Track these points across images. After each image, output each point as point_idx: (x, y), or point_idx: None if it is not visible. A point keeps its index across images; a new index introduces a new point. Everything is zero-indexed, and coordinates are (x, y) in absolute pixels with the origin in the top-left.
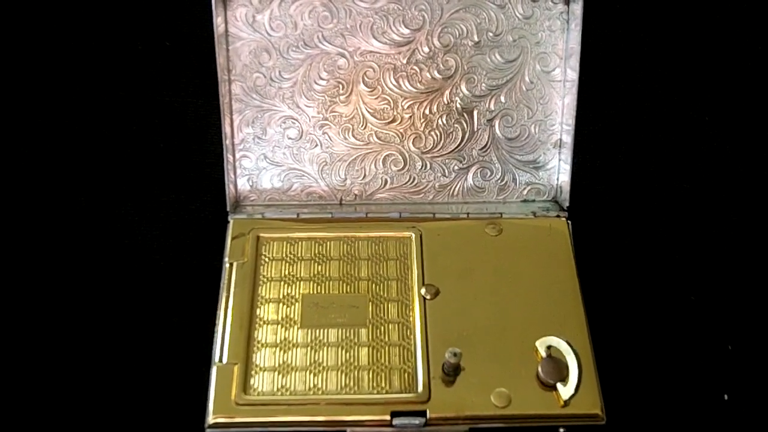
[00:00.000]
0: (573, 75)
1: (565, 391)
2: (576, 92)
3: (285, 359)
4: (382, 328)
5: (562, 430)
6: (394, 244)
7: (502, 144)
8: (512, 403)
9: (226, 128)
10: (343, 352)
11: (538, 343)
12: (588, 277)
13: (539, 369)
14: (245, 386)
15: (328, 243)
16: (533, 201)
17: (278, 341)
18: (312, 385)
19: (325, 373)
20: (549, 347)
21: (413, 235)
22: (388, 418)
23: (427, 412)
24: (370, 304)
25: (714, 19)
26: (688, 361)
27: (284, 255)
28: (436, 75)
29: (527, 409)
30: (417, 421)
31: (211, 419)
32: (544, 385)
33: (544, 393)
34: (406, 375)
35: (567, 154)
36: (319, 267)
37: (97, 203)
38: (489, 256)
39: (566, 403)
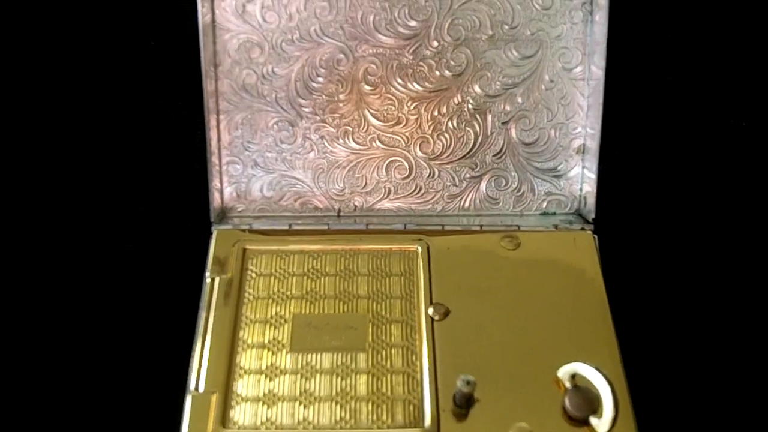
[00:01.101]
0: (598, 72)
1: (601, 425)
2: (601, 92)
3: (271, 388)
4: (384, 352)
5: None
6: (397, 258)
7: (518, 149)
8: None
9: (212, 131)
10: (339, 380)
11: (561, 372)
12: (616, 297)
13: (566, 400)
14: (224, 419)
15: (324, 257)
16: (553, 214)
17: (264, 367)
18: (302, 419)
19: (317, 404)
20: (574, 376)
21: (419, 248)
22: None
23: None
24: (370, 325)
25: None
26: (731, 390)
27: (273, 270)
28: (446, 72)
29: None
30: None
31: None
32: (572, 419)
33: (572, 428)
34: (411, 407)
35: (591, 162)
36: (313, 283)
37: (65, 210)
38: (505, 273)
39: None
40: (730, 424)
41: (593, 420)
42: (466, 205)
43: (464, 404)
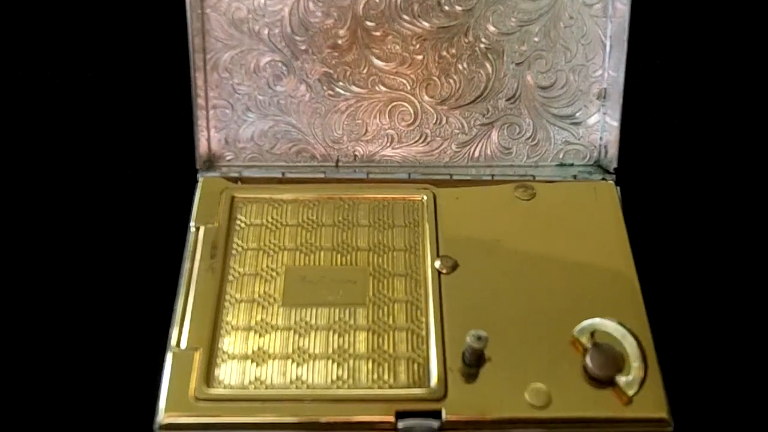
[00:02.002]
0: (622, 9)
1: (629, 383)
2: (626, 30)
3: (261, 345)
4: (386, 308)
5: None
6: (401, 208)
7: (534, 94)
8: (553, 403)
9: (198, 72)
10: (336, 336)
11: (578, 330)
12: (639, 251)
13: (587, 360)
14: (208, 377)
15: (320, 206)
16: (571, 165)
17: (253, 323)
18: (294, 377)
19: (311, 362)
20: (593, 333)
21: (425, 198)
22: (391, 419)
23: (443, 412)
24: (371, 278)
25: None
26: (760, 349)
27: (264, 219)
28: (456, 7)
29: (572, 410)
30: (429, 423)
31: (162, 418)
32: (595, 380)
33: (594, 390)
34: (415, 366)
35: (613, 108)
36: (308, 234)
37: (41, 158)
38: (519, 224)
39: (630, 399)
40: (758, 385)
41: (621, 379)
42: (476, 154)
43: (474, 363)
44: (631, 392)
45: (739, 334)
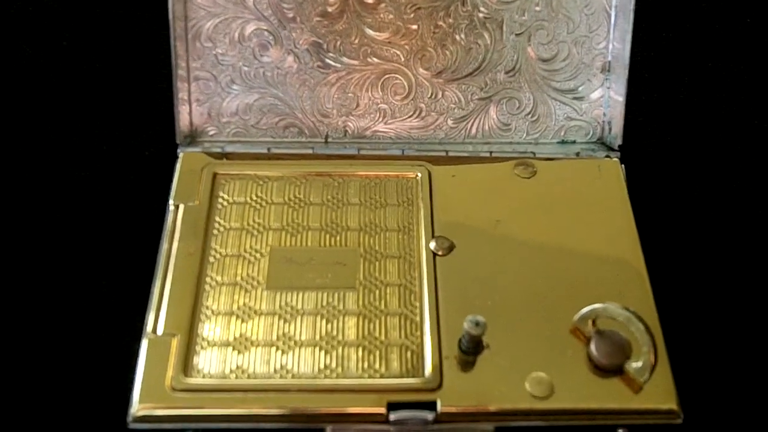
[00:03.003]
0: None
1: (640, 370)
2: (632, 1)
3: (243, 331)
4: (378, 291)
5: (621, 431)
6: (394, 186)
7: (534, 66)
8: (556, 393)
9: (178, 40)
10: (324, 322)
11: (578, 318)
12: (645, 232)
13: (592, 349)
14: (186, 366)
15: (308, 183)
16: (573, 142)
17: (235, 307)
18: (279, 366)
19: (297, 349)
20: (594, 320)
21: (420, 175)
22: (383, 411)
23: (438, 403)
24: (362, 260)
25: None
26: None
27: (248, 197)
28: None
29: (576, 400)
30: (424, 415)
31: (137, 409)
32: (599, 368)
33: (599, 379)
34: (408, 353)
35: (618, 82)
36: (295, 213)
37: (15, 132)
38: (519, 204)
39: (641, 387)
40: (764, 370)
41: (630, 365)
42: (474, 130)
43: (471, 350)
44: (642, 379)
45: (748, 319)
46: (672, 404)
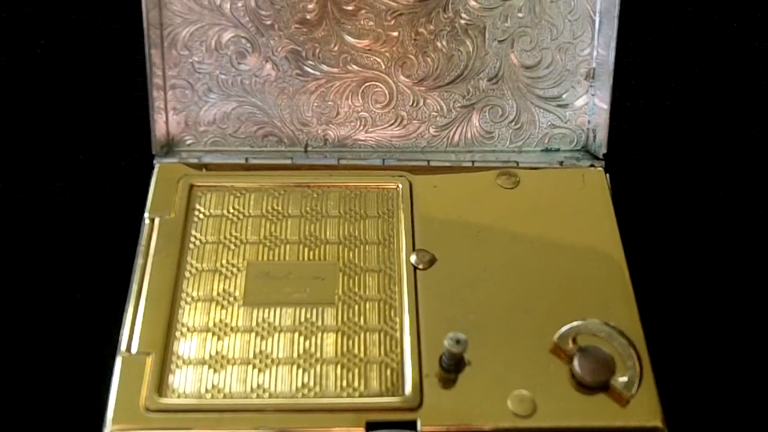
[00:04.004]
0: None
1: (627, 384)
2: (617, 6)
3: (219, 348)
4: (357, 307)
5: None
6: (374, 198)
7: (518, 74)
8: (538, 411)
9: (154, 49)
10: (302, 339)
11: (558, 338)
12: (630, 244)
13: (576, 367)
14: (161, 385)
15: (286, 195)
16: (557, 150)
17: (211, 324)
18: (255, 385)
19: (274, 368)
20: (575, 338)
21: (401, 186)
22: (362, 431)
23: (418, 423)
24: (341, 275)
25: None
26: (754, 346)
27: (225, 210)
28: None
29: (559, 419)
30: None
31: (110, 430)
32: (582, 385)
33: (583, 396)
34: (388, 371)
35: (602, 89)
36: (273, 226)
37: None
38: (502, 215)
39: (627, 401)
40: (750, 384)
41: (617, 380)
42: (456, 138)
43: (453, 368)
44: (630, 393)
45: (735, 331)
46: (657, 422)
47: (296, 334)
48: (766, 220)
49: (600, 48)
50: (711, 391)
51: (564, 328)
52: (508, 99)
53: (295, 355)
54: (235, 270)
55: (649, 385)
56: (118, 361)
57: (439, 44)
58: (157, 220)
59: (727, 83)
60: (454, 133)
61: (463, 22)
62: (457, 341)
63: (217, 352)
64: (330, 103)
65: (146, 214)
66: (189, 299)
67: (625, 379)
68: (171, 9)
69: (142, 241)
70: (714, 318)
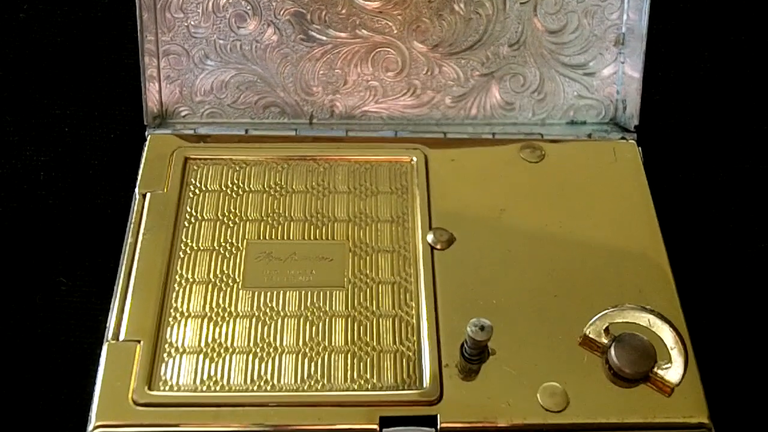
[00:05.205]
0: None
1: (670, 372)
2: None
3: (217, 336)
4: (369, 290)
5: None
6: (386, 172)
7: (541, 39)
8: (571, 406)
9: (146, 12)
10: (308, 326)
11: (588, 327)
12: (665, 223)
13: (613, 357)
14: (151, 376)
15: (290, 169)
16: (583, 123)
17: (208, 309)
18: (256, 376)
19: (278, 357)
20: (607, 328)
21: (415, 160)
22: (375, 427)
23: (438, 418)
24: (351, 255)
25: None
26: None
27: (223, 184)
28: None
29: (594, 414)
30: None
31: (94, 426)
32: (620, 377)
33: (619, 389)
34: (404, 361)
35: (633, 57)
36: (275, 202)
37: None
38: (526, 191)
39: (671, 391)
40: None
41: (661, 368)
42: (474, 110)
43: (475, 357)
44: (674, 380)
45: None
46: (703, 417)
47: (302, 320)
48: None
49: (630, 12)
50: (758, 385)
51: (594, 318)
52: (531, 67)
53: (301, 343)
54: (233, 250)
55: (693, 375)
56: (104, 350)
57: (456, 6)
58: (148, 196)
59: (765, 51)
60: (472, 104)
61: None
62: (482, 328)
63: (213, 340)
64: (337, 71)
65: (137, 189)
66: (183, 281)
67: (669, 366)
68: None
69: (132, 218)
70: (760, 304)
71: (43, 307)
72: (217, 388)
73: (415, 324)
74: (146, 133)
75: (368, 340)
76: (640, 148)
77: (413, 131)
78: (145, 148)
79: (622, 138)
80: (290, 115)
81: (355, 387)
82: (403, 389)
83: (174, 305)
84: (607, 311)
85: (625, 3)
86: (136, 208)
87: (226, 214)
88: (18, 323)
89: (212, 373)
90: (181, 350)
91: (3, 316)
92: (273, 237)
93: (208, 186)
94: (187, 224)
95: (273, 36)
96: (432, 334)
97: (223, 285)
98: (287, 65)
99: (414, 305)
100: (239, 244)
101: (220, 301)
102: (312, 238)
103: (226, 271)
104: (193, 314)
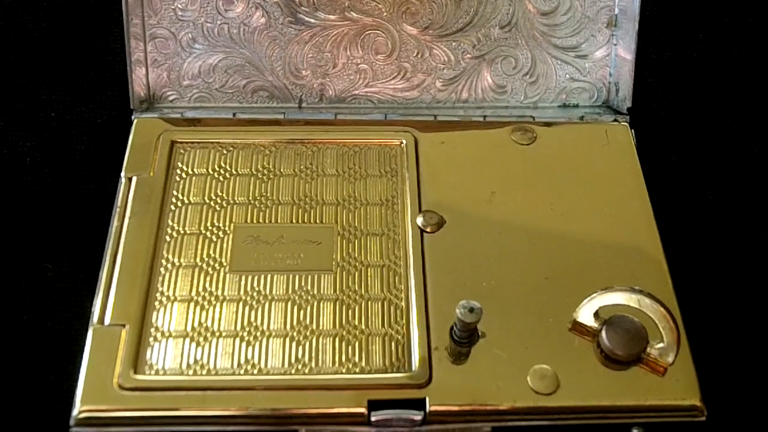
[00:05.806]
0: None
1: (664, 351)
2: None
3: (203, 320)
4: (357, 274)
5: (635, 430)
6: (376, 155)
7: (533, 20)
8: (561, 389)
9: None
10: (296, 309)
11: (578, 312)
12: (657, 208)
13: (605, 340)
14: (137, 360)
15: (278, 152)
16: (576, 106)
17: (194, 293)
18: (243, 360)
19: (265, 341)
20: (597, 312)
21: (405, 142)
22: (363, 410)
23: (427, 401)
24: (339, 238)
25: None
26: None
27: (210, 168)
28: None
29: (585, 397)
30: (410, 415)
31: (79, 411)
32: (611, 360)
33: (611, 371)
34: (392, 344)
35: (626, 39)
36: (263, 186)
37: None
38: (517, 173)
39: (665, 370)
40: None
41: (654, 347)
42: (465, 93)
43: (465, 340)
44: (669, 360)
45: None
46: (695, 399)
47: (289, 304)
48: None
49: None
50: (751, 369)
51: (583, 303)
52: (522, 49)
53: (288, 326)
54: (220, 233)
55: (686, 358)
56: (90, 334)
57: None
58: (134, 179)
59: (759, 33)
60: (463, 86)
61: None
62: (471, 310)
63: (200, 324)
64: (326, 54)
65: (122, 173)
66: (169, 265)
67: (662, 345)
68: None
69: (118, 201)
70: (754, 287)
71: (29, 293)
72: (204, 372)
73: (404, 307)
74: (133, 117)
75: (357, 323)
76: (632, 130)
77: (403, 114)
78: (132, 132)
79: (615, 120)
80: (279, 99)
81: (344, 370)
82: (392, 372)
83: (160, 289)
84: (595, 295)
85: None
86: (122, 191)
87: (213, 197)
88: (3, 309)
89: (198, 357)
90: (167, 334)
91: None
92: (261, 221)
93: (195, 170)
94: (173, 208)
95: (261, 19)
96: (421, 318)
97: (210, 269)
98: (275, 48)
99: (403, 288)
100: (226, 228)
101: (207, 285)
102: (300, 221)
103: (213, 255)
104: (179, 298)
